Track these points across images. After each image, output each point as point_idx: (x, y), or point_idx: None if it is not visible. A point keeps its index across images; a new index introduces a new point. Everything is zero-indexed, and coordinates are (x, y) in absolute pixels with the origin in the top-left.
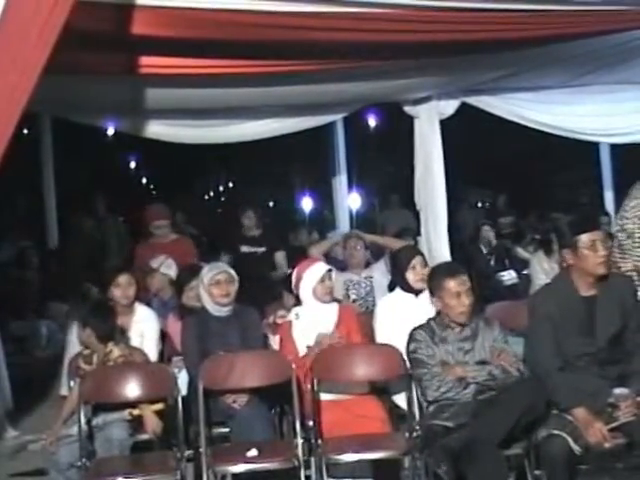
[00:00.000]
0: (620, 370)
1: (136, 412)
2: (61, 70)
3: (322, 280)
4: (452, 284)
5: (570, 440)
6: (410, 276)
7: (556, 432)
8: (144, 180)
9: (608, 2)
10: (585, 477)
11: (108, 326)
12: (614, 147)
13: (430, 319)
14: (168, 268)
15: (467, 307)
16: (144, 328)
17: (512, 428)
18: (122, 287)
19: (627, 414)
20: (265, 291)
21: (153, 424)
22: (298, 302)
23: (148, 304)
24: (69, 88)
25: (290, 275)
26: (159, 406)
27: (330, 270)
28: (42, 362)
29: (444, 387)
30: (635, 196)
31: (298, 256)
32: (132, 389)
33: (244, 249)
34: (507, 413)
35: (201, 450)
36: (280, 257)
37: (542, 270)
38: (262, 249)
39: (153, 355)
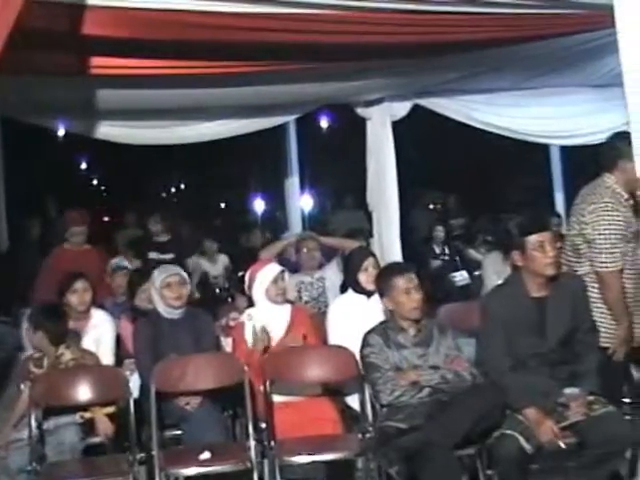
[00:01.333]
0: (570, 370)
1: (87, 415)
2: (11, 70)
3: (275, 281)
4: (401, 282)
5: (522, 439)
6: (362, 277)
7: (508, 432)
8: (95, 182)
9: (557, 6)
10: (537, 476)
11: (60, 329)
12: (564, 149)
13: (384, 322)
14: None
15: (417, 302)
16: (100, 333)
17: (468, 432)
18: (79, 293)
19: (577, 413)
20: None
21: (105, 427)
22: (251, 304)
23: (101, 306)
24: (20, 88)
25: (242, 278)
26: (110, 409)
27: (283, 271)
28: None
29: (398, 391)
30: (592, 201)
31: (250, 258)
32: (84, 392)
33: (152, 255)
34: (463, 416)
35: (153, 453)
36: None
37: (495, 271)
38: (170, 256)
39: (109, 359)
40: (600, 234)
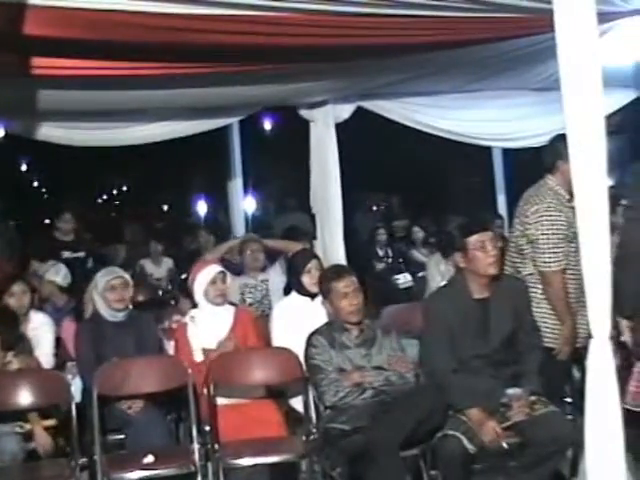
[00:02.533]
0: (513, 371)
1: (27, 427)
2: None
3: (213, 282)
4: (339, 286)
5: (464, 440)
6: (306, 280)
7: (451, 432)
8: (35, 183)
9: (498, 10)
10: (479, 476)
11: (14, 335)
12: (506, 151)
13: (328, 323)
14: (56, 274)
15: (355, 306)
16: (39, 335)
17: (411, 433)
18: (17, 296)
19: (519, 414)
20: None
21: (44, 442)
22: (195, 307)
23: (40, 309)
24: None
25: (186, 280)
26: (51, 422)
27: (222, 272)
28: None
29: (342, 392)
30: (535, 202)
31: (194, 260)
32: (24, 397)
33: (66, 254)
34: (405, 417)
35: (96, 458)
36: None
37: (439, 272)
38: (82, 254)
39: (49, 362)
40: (543, 234)
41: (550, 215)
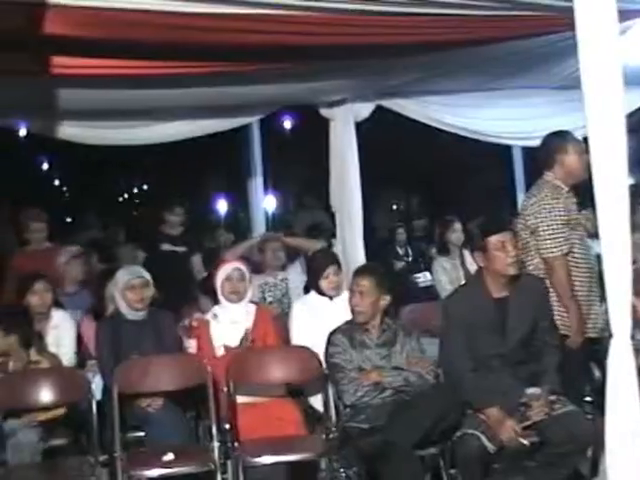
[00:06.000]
0: (531, 370)
1: (43, 417)
2: None
3: (228, 278)
4: (352, 285)
5: (484, 439)
6: (323, 284)
7: (470, 431)
8: (56, 182)
9: (517, 8)
10: (499, 475)
11: (32, 332)
12: (526, 149)
13: (348, 322)
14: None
15: (360, 308)
16: (61, 333)
17: (427, 432)
18: (39, 294)
19: (539, 413)
20: (181, 293)
21: None
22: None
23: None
24: None
25: (206, 278)
26: (60, 411)
27: (238, 269)
28: None
29: (361, 391)
30: (533, 194)
31: (215, 258)
32: (45, 394)
33: (165, 247)
34: (422, 416)
35: (116, 455)
36: (197, 260)
37: (442, 269)
38: (183, 249)
39: (70, 360)
40: (542, 222)
41: (547, 203)
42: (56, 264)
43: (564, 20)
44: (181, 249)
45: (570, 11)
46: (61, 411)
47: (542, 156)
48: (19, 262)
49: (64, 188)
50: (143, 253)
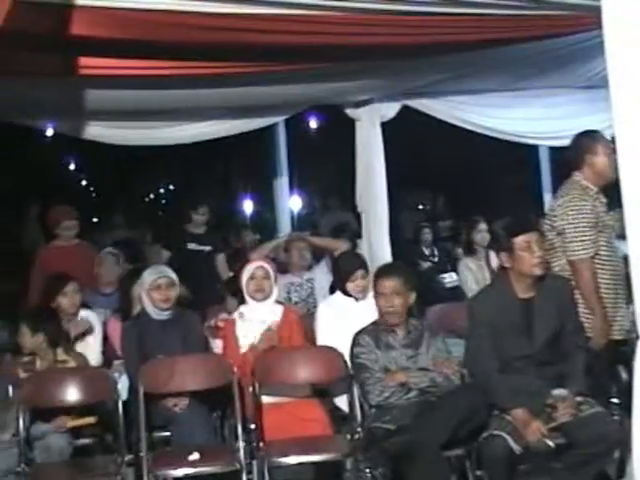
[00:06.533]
0: (557, 371)
1: (72, 424)
2: None
3: (252, 277)
4: (378, 285)
5: (510, 440)
6: (350, 286)
7: (496, 432)
8: (84, 182)
9: (544, 8)
10: (525, 476)
11: (60, 331)
12: (553, 149)
13: (374, 323)
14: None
15: (391, 308)
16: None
17: (453, 432)
18: (69, 295)
19: (565, 414)
20: (207, 291)
21: None
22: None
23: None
24: (7, 89)
25: (232, 279)
26: (90, 419)
27: (262, 268)
28: None
29: (387, 392)
30: (560, 195)
31: (240, 258)
32: (72, 394)
33: (191, 246)
34: (448, 416)
35: (142, 454)
36: (221, 259)
37: (468, 270)
38: (208, 248)
39: (97, 360)
40: (569, 223)
41: (575, 205)
42: (93, 265)
43: (591, 19)
44: (206, 248)
45: (597, 10)
46: (91, 419)
47: (571, 156)
48: (45, 257)
49: (91, 188)
50: (168, 252)
